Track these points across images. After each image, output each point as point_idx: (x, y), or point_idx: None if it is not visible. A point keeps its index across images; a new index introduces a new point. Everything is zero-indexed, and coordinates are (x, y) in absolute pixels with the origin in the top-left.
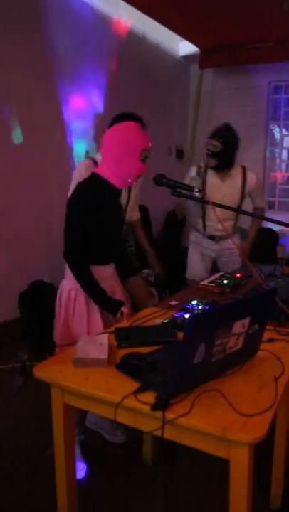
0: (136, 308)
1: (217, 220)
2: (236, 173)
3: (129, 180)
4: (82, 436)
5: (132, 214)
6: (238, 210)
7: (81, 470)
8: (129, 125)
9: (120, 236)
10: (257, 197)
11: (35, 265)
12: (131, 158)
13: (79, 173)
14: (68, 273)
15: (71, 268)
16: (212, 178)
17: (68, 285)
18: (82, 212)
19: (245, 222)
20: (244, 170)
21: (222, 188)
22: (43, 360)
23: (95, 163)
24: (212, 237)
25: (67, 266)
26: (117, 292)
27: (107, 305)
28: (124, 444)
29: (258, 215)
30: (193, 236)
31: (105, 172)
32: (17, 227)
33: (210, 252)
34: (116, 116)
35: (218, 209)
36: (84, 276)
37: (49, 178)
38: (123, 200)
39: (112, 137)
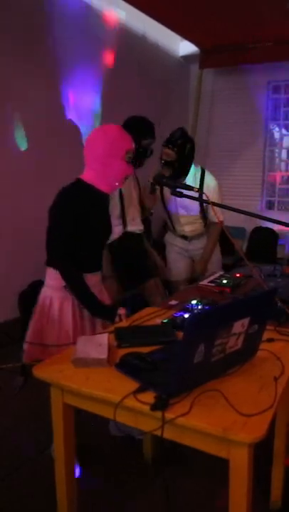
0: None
1: (182, 221)
2: (192, 179)
3: (116, 184)
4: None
5: (134, 224)
6: (238, 210)
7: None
8: (112, 127)
9: (105, 243)
10: (212, 210)
11: (35, 265)
12: (115, 160)
13: None
14: (47, 280)
15: (64, 276)
16: (167, 189)
17: (45, 292)
18: (67, 218)
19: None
20: (203, 173)
21: (178, 199)
22: (42, 360)
23: None
24: (184, 237)
25: (48, 273)
26: (104, 300)
27: (103, 313)
28: (124, 444)
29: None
30: (168, 236)
31: (91, 177)
32: (17, 227)
33: (185, 251)
34: (127, 119)
35: (180, 211)
36: (77, 285)
37: (49, 178)
38: (136, 202)
39: (95, 140)
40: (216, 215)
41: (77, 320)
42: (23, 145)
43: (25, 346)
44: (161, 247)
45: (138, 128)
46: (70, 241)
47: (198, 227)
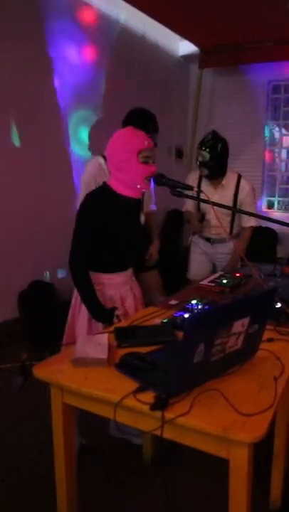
0: (144, 303)
1: (211, 225)
2: (230, 180)
3: (139, 186)
4: (81, 439)
5: (147, 206)
6: (237, 210)
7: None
8: (122, 131)
9: (136, 245)
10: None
11: (35, 265)
12: (130, 163)
13: (90, 175)
14: None
15: (72, 274)
16: (204, 185)
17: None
18: (89, 223)
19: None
20: (239, 178)
21: (214, 196)
22: (42, 360)
23: (105, 158)
24: (208, 239)
25: None
26: (128, 298)
27: (101, 316)
28: (124, 444)
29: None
30: (194, 237)
31: (114, 184)
32: (17, 227)
33: (206, 254)
34: (127, 114)
35: (215, 212)
36: (82, 285)
37: (49, 178)
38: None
39: (110, 148)
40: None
41: None
42: (20, 144)
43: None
44: (160, 246)
45: (140, 123)
46: (88, 244)
47: (223, 232)
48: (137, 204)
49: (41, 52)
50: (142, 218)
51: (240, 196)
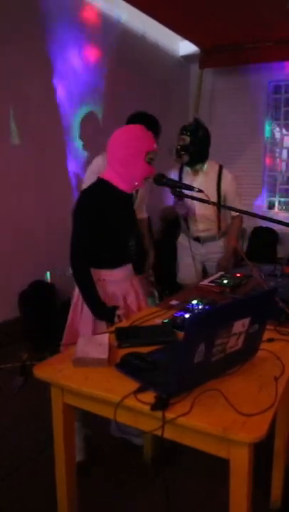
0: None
1: (198, 222)
2: (211, 169)
3: (136, 184)
4: (87, 430)
5: (139, 213)
6: (238, 210)
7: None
8: (133, 128)
9: (132, 239)
10: (232, 201)
11: (35, 265)
12: (136, 160)
13: (94, 172)
14: None
15: (73, 272)
16: (185, 174)
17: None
18: (86, 218)
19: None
20: (220, 168)
21: (194, 184)
22: (43, 360)
23: None
24: (197, 239)
25: None
26: (129, 294)
27: (102, 314)
28: (125, 444)
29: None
30: (181, 238)
31: (111, 177)
32: (17, 227)
33: (197, 255)
34: (130, 116)
35: (199, 209)
36: (83, 283)
37: (49, 178)
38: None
39: (116, 141)
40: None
41: None
42: (21, 144)
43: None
44: (160, 247)
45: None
46: (87, 240)
47: (212, 229)
48: (130, 198)
49: (41, 51)
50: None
51: (223, 185)
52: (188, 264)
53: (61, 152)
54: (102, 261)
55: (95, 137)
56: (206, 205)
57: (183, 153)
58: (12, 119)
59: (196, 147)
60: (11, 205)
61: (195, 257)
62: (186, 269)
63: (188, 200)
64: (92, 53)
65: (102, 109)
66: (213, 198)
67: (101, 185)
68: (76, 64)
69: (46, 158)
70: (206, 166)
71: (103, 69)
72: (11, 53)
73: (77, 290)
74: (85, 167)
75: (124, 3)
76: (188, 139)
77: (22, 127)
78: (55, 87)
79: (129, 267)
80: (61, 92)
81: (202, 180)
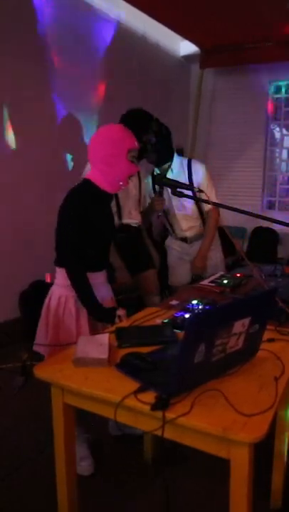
0: (142, 303)
1: (179, 220)
2: (178, 164)
3: (121, 183)
4: (87, 435)
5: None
6: (238, 210)
7: (92, 469)
8: (113, 127)
9: (110, 242)
10: (207, 195)
11: (35, 265)
12: (119, 159)
13: None
14: (58, 279)
15: (69, 276)
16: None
17: (59, 292)
18: (74, 219)
19: (243, 221)
20: (189, 161)
21: (173, 198)
22: (43, 360)
23: None
24: (184, 240)
25: (58, 272)
26: (106, 300)
27: (103, 315)
28: (125, 443)
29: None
30: (168, 240)
31: (96, 177)
32: (18, 227)
33: (186, 255)
34: (125, 113)
35: (177, 211)
36: (81, 285)
37: (49, 178)
38: (137, 194)
39: (98, 141)
40: (209, 198)
41: (91, 317)
42: (21, 145)
43: (38, 348)
44: (160, 247)
45: (137, 123)
46: (77, 241)
47: (197, 226)
48: (110, 199)
49: (41, 52)
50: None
51: (196, 179)
52: (177, 266)
53: (62, 153)
54: (87, 263)
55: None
56: (184, 208)
57: (150, 154)
58: (12, 120)
59: (162, 145)
60: (11, 205)
61: (184, 258)
62: (176, 272)
63: (171, 207)
64: (92, 53)
65: (102, 108)
66: (191, 203)
67: (87, 185)
68: (76, 64)
69: (47, 159)
70: (173, 164)
71: (103, 69)
72: (9, 53)
73: (54, 294)
74: (85, 167)
75: (124, 3)
76: (153, 139)
77: (22, 129)
78: (54, 88)
79: (104, 272)
80: (60, 93)
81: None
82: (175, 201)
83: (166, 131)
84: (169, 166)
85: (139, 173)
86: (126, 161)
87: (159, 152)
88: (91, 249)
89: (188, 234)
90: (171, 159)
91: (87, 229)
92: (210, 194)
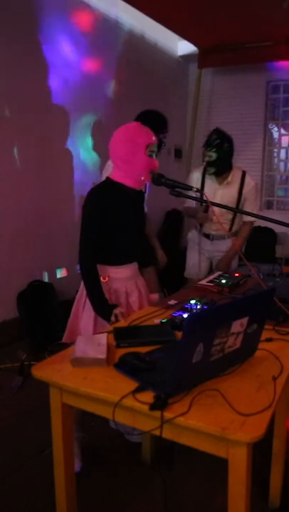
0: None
1: (213, 224)
2: (235, 176)
3: (142, 178)
4: (80, 434)
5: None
6: (237, 210)
7: (79, 468)
8: (130, 125)
9: (140, 236)
10: (249, 207)
11: (34, 265)
12: (137, 155)
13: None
14: None
15: (81, 269)
16: (210, 182)
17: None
18: (93, 216)
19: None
20: (244, 174)
21: (218, 191)
22: (41, 360)
23: None
24: (207, 236)
25: None
26: (133, 293)
27: (101, 312)
28: (124, 443)
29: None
30: (191, 234)
31: (118, 175)
32: (17, 227)
33: (205, 251)
34: (141, 113)
35: (216, 210)
36: (89, 279)
37: (49, 178)
38: None
39: (116, 140)
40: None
41: None
42: (21, 145)
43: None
44: (168, 249)
45: (155, 122)
46: (95, 235)
47: (223, 229)
48: (140, 195)
49: (40, 52)
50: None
51: (244, 191)
52: (195, 259)
53: (62, 153)
54: (109, 258)
55: (94, 137)
56: (222, 211)
57: (210, 167)
58: (13, 121)
59: (222, 161)
60: (11, 205)
61: (203, 253)
62: (193, 265)
63: (224, 198)
64: (90, 53)
65: (102, 108)
66: (234, 204)
67: (108, 183)
68: (75, 64)
69: (46, 159)
70: (230, 175)
71: (102, 69)
72: (7, 52)
73: (82, 286)
74: (85, 167)
75: (122, 3)
76: (214, 156)
77: (22, 129)
78: (54, 88)
79: (134, 265)
80: (60, 93)
81: (225, 189)
82: (219, 199)
83: (228, 146)
84: (226, 177)
85: None
86: (145, 157)
87: (218, 166)
88: (115, 244)
89: (214, 232)
90: (228, 172)
91: (109, 225)
92: (251, 206)
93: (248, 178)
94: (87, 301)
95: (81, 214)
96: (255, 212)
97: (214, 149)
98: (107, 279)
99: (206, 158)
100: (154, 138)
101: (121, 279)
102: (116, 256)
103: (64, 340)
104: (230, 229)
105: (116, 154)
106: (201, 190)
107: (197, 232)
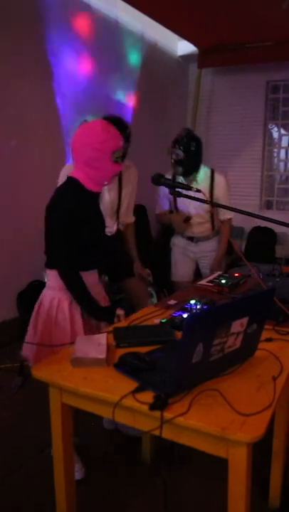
0: (133, 309)
1: (193, 225)
2: (204, 176)
3: (105, 183)
4: (75, 438)
5: (126, 217)
6: (237, 210)
7: (78, 470)
8: (97, 127)
9: (103, 240)
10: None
11: (34, 265)
12: (103, 161)
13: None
14: (50, 282)
15: (64, 278)
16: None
17: (50, 294)
18: (62, 219)
19: (242, 221)
20: (212, 172)
21: (188, 192)
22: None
23: None
24: (190, 238)
25: (48, 274)
26: (100, 300)
27: (102, 315)
28: (124, 443)
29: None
30: (174, 238)
31: (80, 176)
32: (16, 226)
33: (190, 253)
34: (102, 118)
35: (192, 211)
36: (77, 286)
37: (48, 178)
38: (113, 200)
39: (82, 142)
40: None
41: (85, 318)
42: (21, 145)
43: (27, 349)
44: (159, 246)
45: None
46: (67, 241)
47: (206, 229)
48: (97, 197)
49: (40, 53)
50: (115, 227)
51: (216, 190)
52: (180, 262)
53: (61, 153)
54: (77, 261)
55: None
56: (201, 208)
57: (177, 166)
58: (13, 121)
59: (189, 160)
60: (11, 205)
61: (188, 255)
62: (180, 268)
63: (185, 202)
64: (90, 53)
65: (102, 109)
66: (207, 206)
67: (70, 184)
68: (74, 64)
69: (46, 159)
70: (199, 174)
71: (101, 69)
72: (7, 54)
73: (46, 297)
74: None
75: (122, 3)
76: (181, 154)
77: (23, 129)
78: (53, 90)
79: (96, 272)
80: (60, 93)
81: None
82: (192, 201)
83: (196, 146)
84: (194, 177)
85: (120, 177)
86: (110, 163)
87: (185, 165)
88: (80, 248)
89: (197, 234)
90: (196, 171)
91: (76, 228)
92: (225, 201)
93: (217, 177)
94: (59, 313)
95: (47, 217)
96: (229, 215)
97: (182, 147)
98: None
99: (174, 157)
100: (121, 143)
101: (88, 285)
102: (84, 261)
103: (33, 361)
104: (213, 227)
105: (79, 157)
106: (200, 190)
107: (180, 237)
